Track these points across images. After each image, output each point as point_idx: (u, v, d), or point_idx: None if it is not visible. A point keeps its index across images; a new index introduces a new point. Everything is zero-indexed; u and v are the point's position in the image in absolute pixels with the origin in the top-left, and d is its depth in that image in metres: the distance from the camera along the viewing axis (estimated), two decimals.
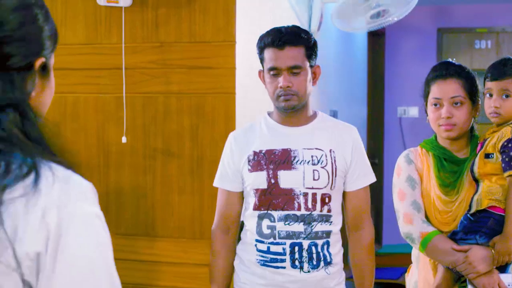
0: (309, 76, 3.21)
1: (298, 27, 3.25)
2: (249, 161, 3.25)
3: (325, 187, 3.19)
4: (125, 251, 4.16)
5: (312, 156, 3.19)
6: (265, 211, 3.21)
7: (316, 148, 3.22)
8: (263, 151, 3.23)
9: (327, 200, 3.20)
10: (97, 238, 1.38)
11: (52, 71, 1.55)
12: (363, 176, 3.30)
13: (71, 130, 4.27)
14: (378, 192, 8.15)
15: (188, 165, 4.09)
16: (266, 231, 3.21)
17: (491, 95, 3.15)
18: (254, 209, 3.24)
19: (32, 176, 1.32)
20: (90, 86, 4.25)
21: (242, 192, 3.33)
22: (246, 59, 4.08)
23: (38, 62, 1.47)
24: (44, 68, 1.49)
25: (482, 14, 8.68)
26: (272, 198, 3.19)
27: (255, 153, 3.24)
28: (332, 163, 3.20)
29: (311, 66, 3.22)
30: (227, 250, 3.39)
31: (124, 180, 4.20)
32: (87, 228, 1.36)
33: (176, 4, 4.07)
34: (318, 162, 3.19)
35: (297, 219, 3.17)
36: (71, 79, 4.24)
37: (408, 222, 3.22)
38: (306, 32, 3.24)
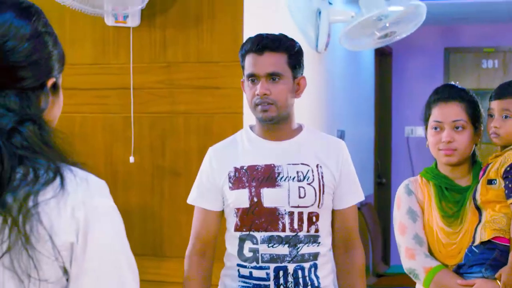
0: (291, 86, 2.96)
1: (283, 35, 3.04)
2: (229, 178, 2.99)
3: (312, 205, 2.95)
4: None
5: (297, 172, 2.96)
6: (247, 232, 2.97)
7: (302, 164, 2.98)
8: (245, 167, 2.98)
9: (314, 219, 2.97)
10: (116, 226, 1.63)
11: (61, 89, 1.73)
12: (352, 193, 3.08)
13: (79, 149, 4.26)
14: (385, 211, 8.13)
15: None
16: (248, 254, 2.96)
17: (492, 116, 3.08)
18: (235, 230, 2.99)
19: (58, 179, 1.55)
20: (98, 106, 4.26)
21: (221, 212, 3.08)
22: None
23: (50, 82, 1.66)
24: (55, 86, 1.69)
25: (489, 33, 8.68)
26: (255, 218, 2.95)
27: (236, 169, 2.99)
28: (319, 179, 2.97)
29: (294, 77, 2.98)
30: (202, 276, 3.08)
31: (131, 200, 4.21)
32: (107, 218, 1.61)
33: (184, 24, 4.09)
34: (304, 178, 2.96)
35: (281, 240, 2.92)
36: (79, 99, 4.25)
37: (410, 257, 3.06)
38: (291, 40, 3.03)
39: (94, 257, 1.56)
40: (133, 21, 4.06)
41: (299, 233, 2.94)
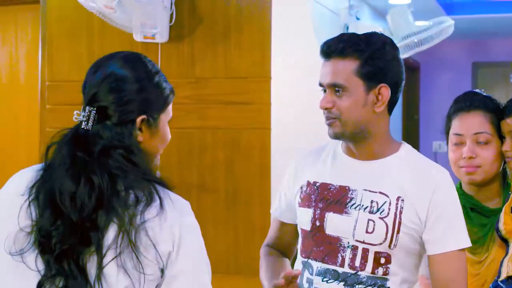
0: (361, 99, 2.43)
1: (368, 34, 2.52)
2: (301, 192, 2.59)
3: (381, 244, 2.42)
4: None
5: (372, 202, 2.45)
6: (306, 259, 2.54)
7: (380, 192, 2.46)
8: (318, 184, 2.55)
9: (383, 260, 2.44)
10: (198, 237, 2.02)
11: (165, 125, 2.16)
12: (447, 236, 2.44)
13: None
14: None
15: (223, 200, 4.09)
16: (305, 284, 2.54)
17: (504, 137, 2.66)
18: (300, 253, 2.60)
19: (158, 201, 1.95)
20: None
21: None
22: (282, 95, 4.09)
23: (139, 119, 2.04)
24: (149, 122, 2.08)
25: None
26: (314, 245, 2.52)
27: (308, 183, 2.57)
28: (395, 215, 2.43)
29: (369, 88, 2.44)
30: (276, 254, 2.75)
31: None
32: (193, 232, 2.02)
33: (212, 40, 4.10)
34: (378, 210, 2.44)
35: (337, 276, 2.47)
36: None
37: (425, 287, 2.65)
38: (371, 42, 2.46)
39: (184, 262, 1.97)
40: (162, 37, 4.08)
41: (359, 273, 2.45)
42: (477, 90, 2.85)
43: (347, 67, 2.42)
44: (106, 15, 3.92)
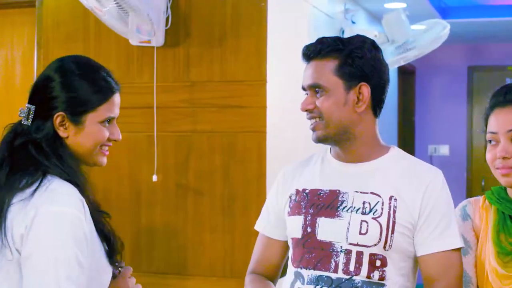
0: (341, 98, 2.39)
1: (350, 36, 2.51)
2: (290, 201, 2.52)
3: (375, 245, 2.33)
4: None
5: (364, 203, 2.38)
6: (297, 269, 2.44)
7: (372, 193, 2.39)
8: (307, 191, 2.48)
9: (378, 263, 2.34)
10: (57, 227, 2.04)
11: (94, 124, 2.23)
12: (438, 235, 2.36)
13: (102, 167, 4.29)
14: None
15: (220, 204, 4.10)
16: None
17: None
18: (291, 263, 2.49)
19: (34, 187, 2.08)
20: (121, 124, 4.22)
21: (287, 242, 2.58)
22: (278, 98, 4.10)
23: (55, 116, 2.17)
24: (73, 119, 2.19)
25: None
26: (305, 252, 2.41)
27: (297, 191, 2.51)
28: (389, 214, 2.35)
29: (349, 85, 2.40)
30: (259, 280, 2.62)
31: (155, 218, 4.22)
32: (52, 220, 2.04)
33: (208, 44, 4.11)
34: (370, 211, 2.36)
35: (330, 283, 2.35)
36: None
37: None
38: (350, 41, 2.45)
39: (32, 245, 2.02)
40: (157, 41, 4.08)
41: (354, 277, 2.34)
42: None
43: (326, 67, 2.41)
44: (98, 17, 3.92)
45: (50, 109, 2.18)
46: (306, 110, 2.45)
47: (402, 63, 5.35)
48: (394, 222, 2.35)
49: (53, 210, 2.05)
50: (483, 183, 8.53)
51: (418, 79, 8.99)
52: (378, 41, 3.04)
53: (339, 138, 2.44)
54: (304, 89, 2.49)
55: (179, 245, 4.17)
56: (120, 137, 2.37)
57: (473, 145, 8.93)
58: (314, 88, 2.43)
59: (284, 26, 4.29)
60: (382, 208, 2.36)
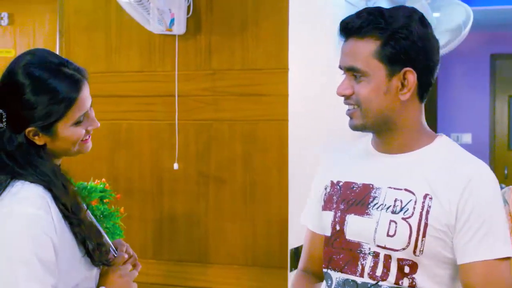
0: (382, 84, 2.13)
1: (394, 8, 2.17)
2: (325, 193, 2.32)
3: (403, 249, 2.09)
4: (178, 277, 4.16)
5: (395, 200, 2.13)
6: (326, 270, 2.26)
7: (406, 189, 2.13)
8: (341, 183, 2.27)
9: (407, 269, 2.10)
10: (13, 226, 2.03)
11: (66, 129, 2.17)
12: (479, 242, 2.06)
13: (125, 156, 4.31)
14: None
15: (241, 192, 4.09)
16: None
17: None
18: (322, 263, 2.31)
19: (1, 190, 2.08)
20: (143, 113, 4.29)
21: None
22: (299, 86, 4.08)
23: (27, 131, 2.14)
24: (47, 131, 2.15)
25: None
26: (333, 252, 2.23)
27: (332, 183, 2.30)
28: (420, 215, 2.08)
29: (391, 71, 2.12)
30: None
31: (177, 207, 4.22)
32: (8, 219, 2.03)
33: (229, 32, 4.10)
34: (401, 210, 2.10)
35: None
36: (125, 106, 4.28)
37: None
38: (395, 18, 2.12)
39: None
40: (179, 29, 4.08)
41: (381, 283, 2.12)
42: None
43: (366, 49, 2.12)
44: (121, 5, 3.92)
45: (20, 124, 2.14)
46: (343, 95, 2.18)
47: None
48: (426, 224, 2.07)
49: (5, 211, 2.05)
50: (506, 171, 8.50)
51: (440, 67, 8.95)
52: None
53: (379, 128, 2.19)
54: (340, 68, 2.21)
55: (200, 233, 4.18)
56: (99, 124, 2.28)
57: (496, 133, 8.89)
58: (352, 72, 2.15)
59: (305, 13, 4.27)
60: (414, 208, 2.09)
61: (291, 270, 3.88)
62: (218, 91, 4.13)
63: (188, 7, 4.10)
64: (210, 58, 4.15)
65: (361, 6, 5.06)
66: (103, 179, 3.66)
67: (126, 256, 2.33)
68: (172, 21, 4.01)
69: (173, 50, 4.18)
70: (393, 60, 2.10)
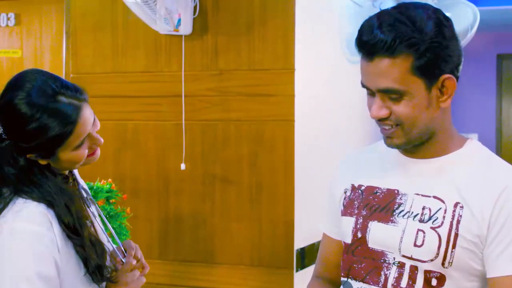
0: (423, 99, 1.97)
1: (411, 15, 1.94)
2: (344, 197, 2.21)
3: (432, 260, 1.97)
4: (184, 277, 4.17)
5: (423, 208, 2.01)
6: (346, 279, 2.15)
7: (435, 197, 2.01)
8: (363, 187, 2.16)
9: (435, 282, 1.98)
10: (18, 242, 2.03)
11: (67, 154, 2.18)
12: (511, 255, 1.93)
13: (131, 156, 4.31)
14: None
15: (247, 192, 4.09)
16: None
17: None
18: (341, 271, 2.21)
19: (2, 205, 2.08)
20: (149, 113, 4.29)
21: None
22: (306, 87, 4.08)
23: (29, 156, 2.14)
24: (48, 157, 2.16)
25: None
26: (354, 261, 2.12)
27: (353, 187, 2.19)
28: (451, 225, 1.96)
29: (430, 82, 1.97)
30: None
31: (183, 207, 4.22)
32: (12, 236, 2.02)
33: (236, 32, 4.10)
34: (430, 219, 1.99)
35: None
36: (131, 107, 4.28)
37: None
38: (423, 28, 1.92)
39: None
40: (185, 29, 4.08)
41: None
42: None
43: (401, 67, 1.93)
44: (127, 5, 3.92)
45: (21, 151, 2.15)
46: (379, 118, 2.03)
47: None
48: (456, 235, 1.96)
49: (7, 228, 2.05)
50: None
51: None
52: None
53: (422, 141, 2.05)
54: (365, 87, 2.04)
55: (206, 234, 4.18)
56: (102, 141, 2.26)
57: (502, 133, 8.88)
58: (387, 94, 1.98)
59: (312, 13, 4.27)
60: (444, 217, 1.97)
61: (297, 271, 3.87)
62: (224, 91, 4.13)
63: (195, 7, 4.10)
64: (216, 58, 4.15)
65: (367, 6, 5.06)
66: (110, 180, 3.67)
67: (134, 262, 2.33)
68: (178, 21, 4.01)
69: (179, 50, 4.18)
70: (431, 71, 1.95)
